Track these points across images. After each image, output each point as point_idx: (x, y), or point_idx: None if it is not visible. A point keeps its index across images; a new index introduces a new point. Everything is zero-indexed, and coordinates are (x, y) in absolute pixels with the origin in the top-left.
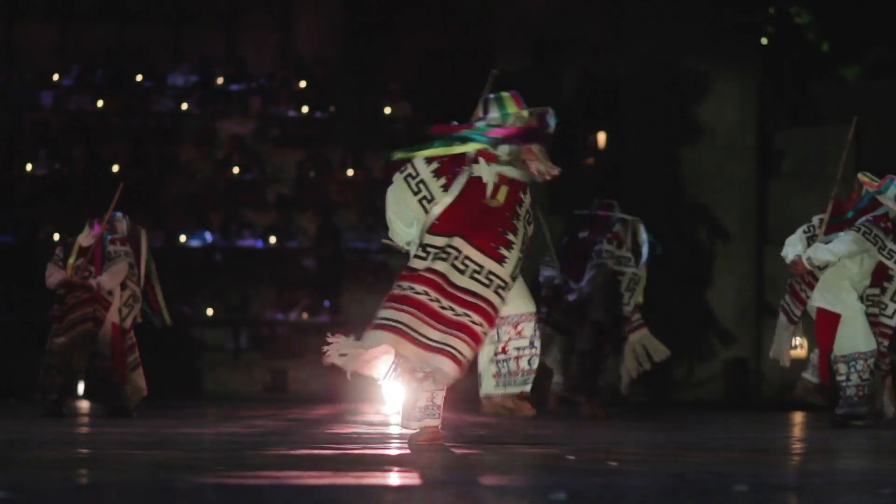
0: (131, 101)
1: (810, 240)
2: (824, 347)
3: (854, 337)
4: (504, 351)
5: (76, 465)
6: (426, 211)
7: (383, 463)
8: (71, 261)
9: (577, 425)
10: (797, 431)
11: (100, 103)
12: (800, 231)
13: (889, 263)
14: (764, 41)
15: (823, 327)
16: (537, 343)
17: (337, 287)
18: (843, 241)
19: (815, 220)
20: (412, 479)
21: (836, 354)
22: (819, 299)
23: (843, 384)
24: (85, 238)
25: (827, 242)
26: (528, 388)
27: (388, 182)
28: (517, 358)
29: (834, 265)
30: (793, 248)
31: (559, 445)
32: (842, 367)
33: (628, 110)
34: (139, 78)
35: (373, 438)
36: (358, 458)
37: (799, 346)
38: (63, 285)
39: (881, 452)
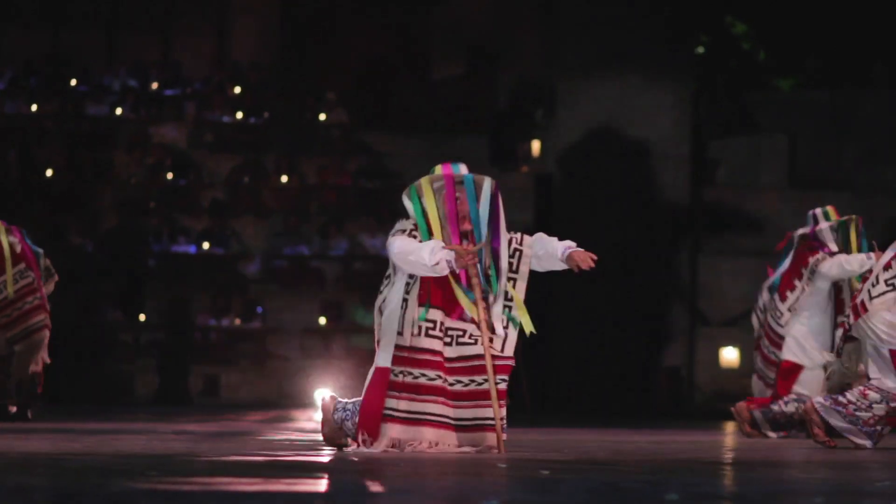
0: (66, 106)
1: None
2: None
3: None
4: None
5: (7, 470)
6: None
7: (315, 470)
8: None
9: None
10: (729, 440)
11: (34, 107)
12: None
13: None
14: (700, 50)
15: None
16: None
17: (270, 293)
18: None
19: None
20: (343, 486)
21: None
22: None
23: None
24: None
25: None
26: None
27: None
28: None
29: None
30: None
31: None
32: None
33: (562, 119)
34: (74, 82)
35: (304, 445)
36: (290, 464)
37: None
38: None
39: (812, 463)
